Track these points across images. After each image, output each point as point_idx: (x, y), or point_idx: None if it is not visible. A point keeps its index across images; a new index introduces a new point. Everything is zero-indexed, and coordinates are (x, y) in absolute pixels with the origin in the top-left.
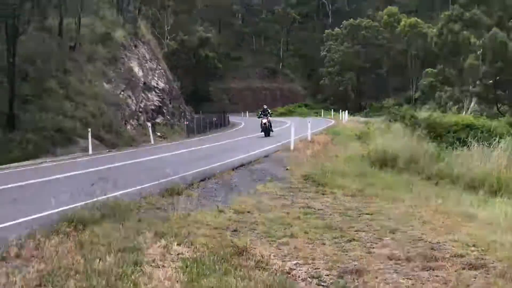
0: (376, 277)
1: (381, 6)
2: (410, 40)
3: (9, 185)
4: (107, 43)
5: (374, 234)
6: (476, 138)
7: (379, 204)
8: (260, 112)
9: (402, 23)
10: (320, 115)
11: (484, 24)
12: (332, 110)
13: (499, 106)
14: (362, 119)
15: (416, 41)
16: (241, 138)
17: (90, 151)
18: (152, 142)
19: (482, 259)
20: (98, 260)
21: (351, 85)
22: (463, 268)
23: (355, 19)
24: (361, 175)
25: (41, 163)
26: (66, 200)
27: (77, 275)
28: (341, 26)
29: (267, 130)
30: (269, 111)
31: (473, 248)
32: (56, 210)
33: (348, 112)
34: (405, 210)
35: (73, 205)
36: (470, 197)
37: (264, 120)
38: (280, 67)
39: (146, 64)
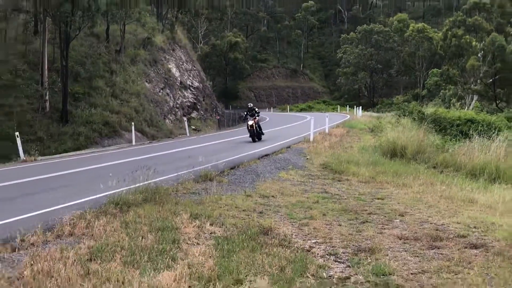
0: (387, 255)
1: (392, 13)
2: (417, 44)
3: (63, 172)
4: (148, 47)
5: (385, 216)
6: (477, 131)
7: (389, 190)
8: (245, 113)
9: (411, 28)
10: (337, 111)
11: (485, 29)
12: (347, 106)
13: (497, 102)
14: (375, 114)
15: (423, 44)
16: (265, 131)
17: (134, 142)
18: (188, 134)
19: (482, 239)
20: (141, 238)
21: (364, 83)
22: (465, 247)
23: (368, 25)
24: (373, 164)
25: (91, 152)
26: (112, 185)
27: (122, 251)
28: (356, 31)
29: (254, 134)
30: (256, 110)
31: (474, 229)
32: (104, 194)
33: (362, 108)
34: (413, 195)
35: (119, 190)
36: (472, 184)
37: (250, 122)
38: (301, 67)
39: (182, 66)
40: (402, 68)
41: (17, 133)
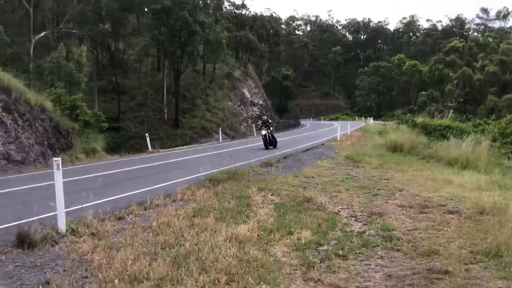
0: (391, 217)
1: (394, 54)
2: (411, 74)
3: (175, 159)
4: (230, 78)
5: (389, 191)
6: (453, 134)
7: (392, 174)
8: (260, 124)
9: (407, 64)
10: (355, 120)
11: (458, 64)
12: (363, 117)
13: (467, 115)
14: (381, 122)
15: (415, 75)
16: (306, 134)
17: (221, 140)
18: (255, 135)
19: (457, 207)
20: (226, 202)
21: (374, 102)
22: (445, 213)
23: (377, 62)
24: (381, 156)
25: (193, 147)
26: (207, 168)
27: (214, 211)
28: (369, 66)
29: (267, 141)
30: (270, 121)
31: (451, 201)
32: (202, 174)
33: (373, 118)
34: (408, 177)
35: (212, 171)
36: (449, 170)
37: (264, 132)
38: (331, 91)
39: (252, 90)
40: (401, 91)
41: (147, 134)
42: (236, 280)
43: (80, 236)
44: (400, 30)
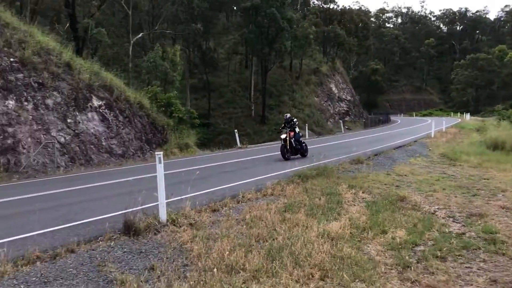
0: (493, 219)
1: (494, 45)
2: None
3: (262, 155)
4: (317, 74)
5: (490, 192)
6: None
7: (493, 173)
8: (283, 124)
9: (509, 55)
10: (450, 116)
11: None
12: (458, 113)
13: None
14: (479, 118)
15: None
16: (397, 130)
17: (307, 137)
18: (343, 132)
19: None
20: (316, 199)
21: (471, 96)
22: None
23: (475, 54)
24: (480, 154)
25: (280, 143)
26: (295, 164)
27: (305, 206)
28: (466, 58)
29: (287, 150)
30: (294, 120)
31: None
32: (290, 170)
33: (470, 114)
34: (511, 177)
35: (300, 167)
36: None
37: (283, 136)
38: (424, 85)
39: (339, 85)
40: (502, 85)
41: (236, 130)
42: (330, 276)
43: (180, 226)
44: (502, 19)
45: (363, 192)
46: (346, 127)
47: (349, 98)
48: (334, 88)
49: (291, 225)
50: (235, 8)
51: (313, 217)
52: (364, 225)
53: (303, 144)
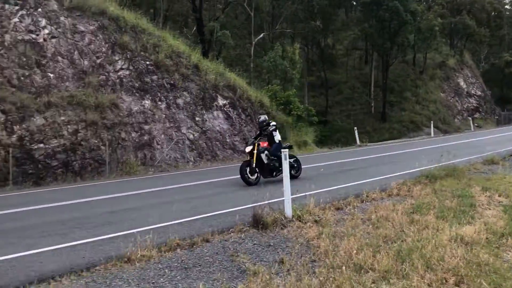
0: None
1: None
2: None
3: (384, 154)
4: (443, 68)
5: None
6: None
7: None
8: (258, 131)
9: None
10: None
11: None
12: None
13: None
14: None
15: None
16: None
17: (432, 135)
18: (472, 129)
19: None
20: (446, 201)
21: None
22: None
23: None
24: None
25: (401, 141)
26: (422, 163)
27: (434, 208)
28: None
29: (251, 170)
30: (272, 123)
31: None
32: (415, 169)
33: None
34: None
35: (426, 167)
36: None
37: (248, 148)
38: None
39: (468, 80)
40: None
41: (355, 128)
42: (466, 282)
43: (305, 223)
44: None
45: (499, 195)
46: (476, 124)
47: (479, 93)
48: (462, 83)
49: (420, 227)
50: (354, 3)
51: (444, 219)
52: (503, 231)
53: (294, 160)
